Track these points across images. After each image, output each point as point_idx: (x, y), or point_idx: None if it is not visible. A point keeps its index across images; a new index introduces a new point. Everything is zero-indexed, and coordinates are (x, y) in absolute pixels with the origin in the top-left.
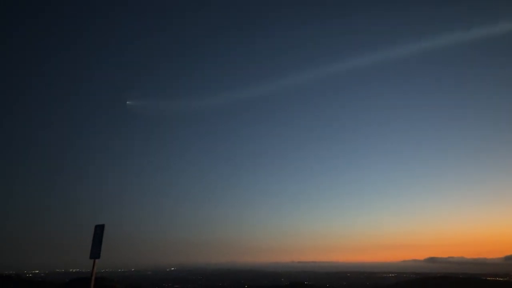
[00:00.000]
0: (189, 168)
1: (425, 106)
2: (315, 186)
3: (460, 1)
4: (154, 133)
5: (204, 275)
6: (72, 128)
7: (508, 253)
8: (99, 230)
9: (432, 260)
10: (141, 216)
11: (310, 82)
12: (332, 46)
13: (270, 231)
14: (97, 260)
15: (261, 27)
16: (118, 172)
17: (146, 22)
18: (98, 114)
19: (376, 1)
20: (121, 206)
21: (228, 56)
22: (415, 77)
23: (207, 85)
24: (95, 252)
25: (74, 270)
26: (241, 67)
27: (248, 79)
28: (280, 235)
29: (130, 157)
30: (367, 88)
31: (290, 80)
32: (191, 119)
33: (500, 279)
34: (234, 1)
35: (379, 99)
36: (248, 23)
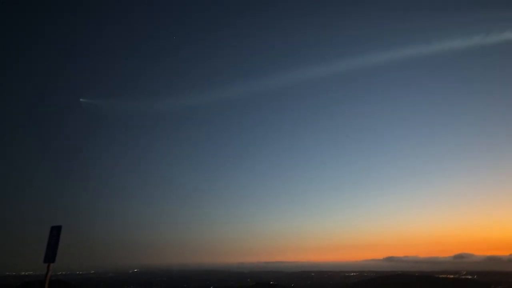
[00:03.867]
0: (154, 169)
1: (390, 110)
2: (278, 186)
3: (468, 8)
4: (116, 132)
5: (169, 276)
6: (20, 126)
7: (456, 252)
8: (56, 232)
9: (390, 259)
10: (100, 216)
11: (297, 83)
12: (327, 46)
13: (235, 231)
14: (52, 264)
15: (249, 23)
16: (77, 172)
17: (106, 13)
18: (49, 110)
19: (378, 2)
20: (80, 206)
21: (210, 53)
22: (408, 78)
23: (195, 82)
24: (50, 256)
25: (26, 273)
26: (225, 66)
27: (235, 77)
28: (245, 235)
29: (89, 157)
30: (357, 89)
31: (278, 80)
32: (162, 119)
33: (450, 276)
34: None
35: (351, 102)
36: (234, 17)
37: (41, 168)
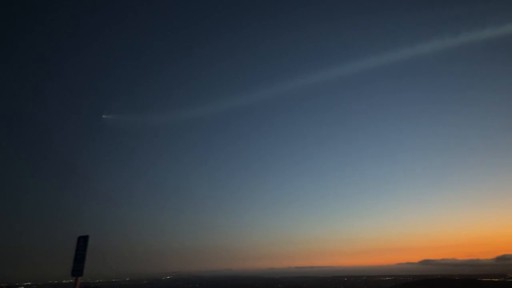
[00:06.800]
0: (183, 177)
1: (420, 110)
2: (311, 191)
3: (467, 3)
4: (138, 145)
5: (201, 282)
6: (48, 142)
7: (499, 254)
8: (83, 242)
9: (426, 262)
10: (134, 225)
11: (304, 87)
12: (327, 50)
13: (266, 236)
14: (80, 277)
15: (254, 31)
16: (106, 183)
17: (123, 30)
18: (73, 127)
19: (378, 3)
20: (115, 215)
21: (216, 64)
22: (410, 79)
23: (203, 92)
24: (78, 269)
25: (67, 281)
26: (231, 74)
27: (242, 85)
28: (277, 240)
29: (118, 169)
30: (360, 91)
31: (286, 85)
32: (180, 129)
33: (495, 279)
34: (220, 4)
35: (376, 101)
36: (239, 27)
37: (75, 181)
